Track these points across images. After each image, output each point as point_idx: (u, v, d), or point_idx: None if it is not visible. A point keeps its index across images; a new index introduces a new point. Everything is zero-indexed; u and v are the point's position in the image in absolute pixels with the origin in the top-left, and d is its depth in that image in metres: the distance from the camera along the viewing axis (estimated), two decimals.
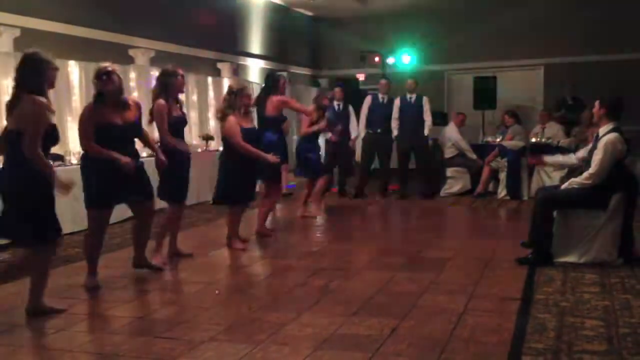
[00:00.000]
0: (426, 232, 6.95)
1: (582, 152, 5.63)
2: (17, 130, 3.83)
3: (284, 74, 10.23)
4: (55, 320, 4.01)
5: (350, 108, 9.65)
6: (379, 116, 9.53)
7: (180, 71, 5.47)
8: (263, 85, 7.12)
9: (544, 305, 4.10)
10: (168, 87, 5.34)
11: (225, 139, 5.88)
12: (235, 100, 5.84)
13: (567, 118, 10.97)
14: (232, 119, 5.78)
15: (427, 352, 3.33)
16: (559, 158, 6.10)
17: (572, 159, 5.77)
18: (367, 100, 9.74)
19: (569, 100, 11.66)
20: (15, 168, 3.88)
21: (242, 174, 5.84)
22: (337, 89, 9.68)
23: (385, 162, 9.67)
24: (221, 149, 6.22)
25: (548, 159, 6.16)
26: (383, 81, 9.88)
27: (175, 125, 5.40)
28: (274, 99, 6.71)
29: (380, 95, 9.68)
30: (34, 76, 3.90)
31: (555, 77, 13.71)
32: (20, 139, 3.80)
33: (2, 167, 4.13)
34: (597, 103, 5.29)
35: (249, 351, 3.39)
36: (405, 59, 14.43)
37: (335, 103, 9.32)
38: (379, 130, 9.53)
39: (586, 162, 5.33)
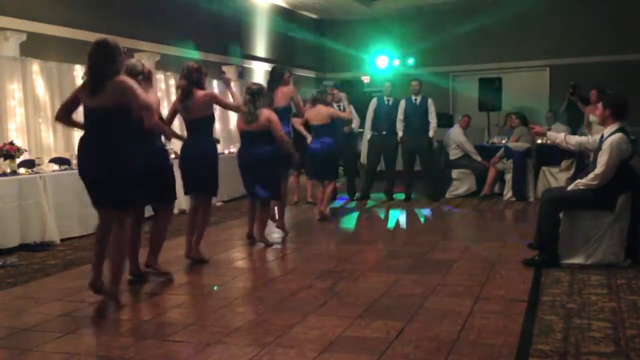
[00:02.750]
0: (432, 234, 6.94)
1: (584, 139, 5.59)
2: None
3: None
4: (62, 323, 4.04)
5: (351, 107, 9.64)
6: (384, 118, 9.54)
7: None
8: (268, 79, 7.32)
9: (551, 307, 4.09)
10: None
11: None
12: (255, 101, 6.06)
13: (571, 105, 11.00)
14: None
15: (434, 354, 3.32)
16: (560, 136, 5.87)
17: (572, 142, 5.66)
18: (373, 103, 9.75)
19: (568, 97, 11.72)
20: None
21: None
22: (334, 91, 9.68)
23: (391, 163, 9.67)
24: (227, 152, 6.28)
25: (550, 133, 5.99)
26: (387, 83, 9.88)
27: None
28: (284, 89, 6.96)
29: (385, 98, 9.68)
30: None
31: (561, 78, 13.68)
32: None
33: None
34: (600, 105, 5.27)
35: (255, 354, 3.39)
36: (410, 60, 14.44)
37: (335, 105, 9.34)
38: (384, 132, 9.53)
39: (592, 162, 5.32)
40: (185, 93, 5.41)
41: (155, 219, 5.11)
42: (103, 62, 4.16)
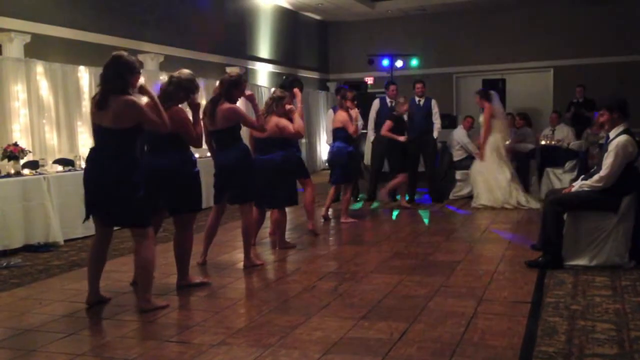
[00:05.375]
0: (435, 235, 6.94)
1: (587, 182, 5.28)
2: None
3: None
4: (66, 324, 4.05)
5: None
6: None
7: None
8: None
9: (555, 308, 4.08)
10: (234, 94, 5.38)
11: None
12: (272, 106, 6.06)
13: (577, 115, 10.99)
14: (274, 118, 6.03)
15: (437, 356, 3.32)
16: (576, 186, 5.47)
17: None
18: (375, 104, 9.74)
19: (579, 99, 11.69)
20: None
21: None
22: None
23: (395, 165, 9.65)
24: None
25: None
26: (392, 86, 9.85)
27: None
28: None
29: (388, 100, 9.67)
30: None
31: (564, 79, 13.67)
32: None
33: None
34: (604, 110, 5.20)
35: (258, 355, 3.39)
36: (413, 62, 14.42)
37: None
38: None
39: (597, 164, 5.30)
40: (212, 103, 5.35)
41: (177, 233, 4.86)
42: (111, 77, 4.12)
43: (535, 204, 8.45)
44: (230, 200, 5.57)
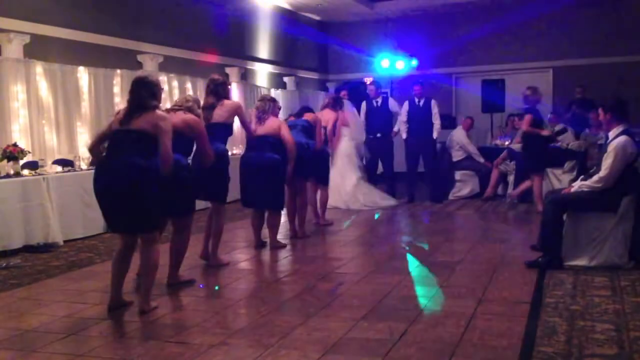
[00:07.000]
0: (435, 235, 6.94)
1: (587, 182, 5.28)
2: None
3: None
4: (66, 324, 4.05)
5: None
6: (375, 121, 9.54)
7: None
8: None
9: (554, 308, 4.09)
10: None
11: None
12: (269, 106, 6.17)
13: (577, 116, 11.01)
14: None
15: (437, 356, 3.32)
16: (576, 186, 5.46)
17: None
18: (363, 107, 9.77)
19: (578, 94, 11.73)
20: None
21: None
22: (343, 92, 9.71)
23: (389, 166, 9.67)
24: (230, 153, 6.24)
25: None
26: (371, 87, 9.84)
27: None
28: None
29: (373, 100, 9.66)
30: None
31: (564, 79, 13.67)
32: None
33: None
34: (600, 110, 5.24)
35: (258, 355, 3.39)
36: (412, 62, 14.42)
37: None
38: (378, 135, 9.54)
39: (597, 164, 5.31)
40: (210, 107, 5.49)
41: (174, 232, 4.94)
42: (145, 96, 4.22)
43: (393, 202, 9.13)
44: (206, 196, 5.52)
